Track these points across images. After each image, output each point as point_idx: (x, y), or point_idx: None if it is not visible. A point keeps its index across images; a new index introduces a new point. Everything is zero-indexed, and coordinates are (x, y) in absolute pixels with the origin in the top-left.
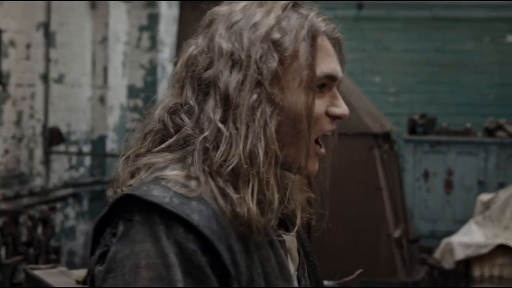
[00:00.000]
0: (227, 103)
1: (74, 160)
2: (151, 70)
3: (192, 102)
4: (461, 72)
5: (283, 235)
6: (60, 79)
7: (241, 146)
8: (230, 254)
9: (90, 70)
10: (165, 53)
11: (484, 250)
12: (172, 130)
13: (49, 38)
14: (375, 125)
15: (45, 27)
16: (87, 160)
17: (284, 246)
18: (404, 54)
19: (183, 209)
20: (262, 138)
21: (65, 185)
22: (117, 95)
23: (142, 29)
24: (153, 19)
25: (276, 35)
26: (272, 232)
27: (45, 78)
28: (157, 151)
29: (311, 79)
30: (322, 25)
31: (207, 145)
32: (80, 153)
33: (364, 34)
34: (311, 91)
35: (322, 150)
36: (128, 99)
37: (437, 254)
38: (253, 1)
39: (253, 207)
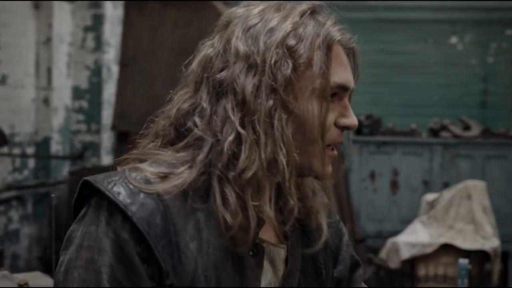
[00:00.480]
0: (244, 108)
1: (18, 162)
2: (96, 71)
3: (205, 104)
4: (405, 73)
5: (270, 245)
6: (3, 80)
7: (262, 154)
8: (170, 250)
9: (33, 71)
10: (110, 54)
11: (429, 250)
12: (184, 132)
13: None
14: None
15: None
16: (31, 162)
17: (261, 254)
18: None
19: (124, 199)
20: (282, 145)
21: (9, 187)
22: (62, 96)
23: (86, 29)
24: (98, 20)
25: (292, 41)
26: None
27: None
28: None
29: (324, 88)
30: (337, 34)
31: (228, 148)
32: (24, 155)
33: None
34: (324, 101)
35: (335, 153)
36: (73, 100)
37: (383, 254)
38: (271, 5)
39: (250, 221)
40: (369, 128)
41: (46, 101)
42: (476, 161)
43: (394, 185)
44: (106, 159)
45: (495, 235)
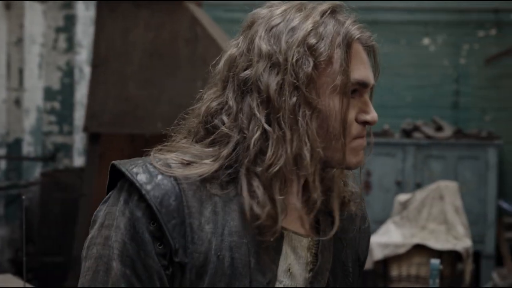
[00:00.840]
0: (269, 105)
1: None
2: (68, 72)
3: (231, 102)
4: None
5: (291, 233)
6: None
7: (288, 149)
8: (182, 230)
9: (5, 72)
10: (83, 55)
11: (401, 250)
12: (212, 130)
13: None
14: None
15: None
16: (2, 164)
17: (281, 240)
18: None
19: (141, 179)
20: (307, 141)
21: None
22: (34, 97)
23: (58, 30)
24: (70, 21)
25: (312, 40)
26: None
27: None
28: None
29: (345, 84)
30: (357, 33)
31: (254, 144)
32: None
33: None
34: (345, 97)
35: (363, 141)
36: (44, 101)
37: None
38: (293, 5)
39: (277, 211)
40: None
41: (18, 102)
42: (449, 161)
43: (367, 186)
44: (78, 161)
45: (467, 235)
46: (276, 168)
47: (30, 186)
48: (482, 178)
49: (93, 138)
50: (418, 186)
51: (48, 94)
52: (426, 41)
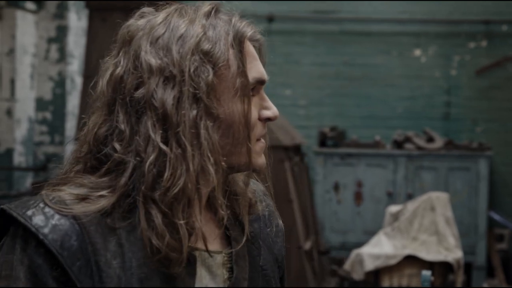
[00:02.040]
0: (166, 123)
1: None
2: (60, 83)
3: (123, 126)
4: (369, 85)
5: (203, 252)
6: None
7: (190, 167)
8: (89, 270)
9: None
10: (74, 66)
11: (393, 261)
12: (103, 159)
13: None
14: (286, 138)
15: None
16: None
17: (194, 263)
18: (313, 68)
19: (37, 223)
20: (210, 154)
21: None
22: (25, 107)
23: (50, 41)
24: (62, 31)
25: (206, 46)
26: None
27: None
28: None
29: (245, 86)
30: (247, 30)
31: (150, 169)
32: None
33: (274, 47)
34: (246, 99)
35: (263, 143)
36: (36, 111)
37: (347, 265)
38: (171, 12)
39: (181, 239)
40: (333, 140)
41: (9, 113)
42: (439, 172)
43: (358, 197)
44: None
45: (458, 246)
46: (176, 190)
47: (21, 196)
48: (473, 189)
49: None
50: (410, 197)
51: (40, 104)
52: (417, 52)
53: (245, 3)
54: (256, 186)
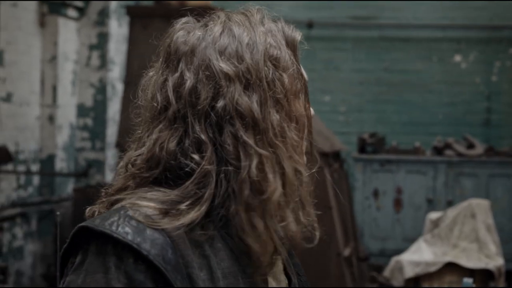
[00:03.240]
0: (256, 128)
1: (23, 179)
2: (101, 89)
3: (203, 137)
4: (409, 91)
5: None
6: (8, 98)
7: (286, 170)
8: (189, 282)
9: (39, 88)
10: (115, 72)
11: (433, 268)
12: (181, 174)
13: None
14: (325, 144)
15: None
16: (36, 180)
17: (278, 278)
18: (353, 74)
19: (134, 238)
20: (298, 156)
21: (13, 204)
22: (67, 114)
23: (92, 47)
24: (103, 38)
25: (273, 51)
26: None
27: None
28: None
29: (305, 86)
30: (296, 34)
31: (252, 175)
32: (28, 172)
33: (314, 54)
34: (307, 98)
35: None
36: (77, 118)
37: (386, 272)
38: (225, 20)
39: (278, 245)
40: (373, 146)
41: (51, 119)
42: (480, 179)
43: (398, 204)
44: (110, 176)
45: (499, 253)
46: (277, 195)
47: (62, 202)
48: None
49: None
50: (450, 204)
51: (81, 110)
52: (457, 58)
53: (285, 9)
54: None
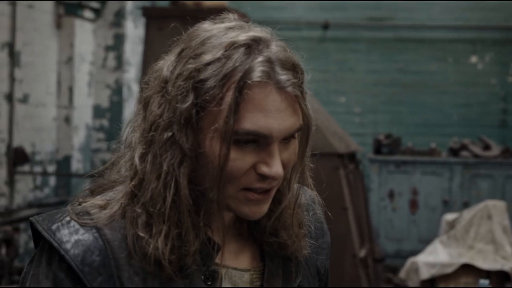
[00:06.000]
0: (149, 133)
1: (39, 180)
2: (117, 90)
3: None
4: (424, 92)
5: (230, 269)
6: (24, 99)
7: (157, 187)
8: (110, 285)
9: (55, 90)
10: (131, 73)
11: (449, 270)
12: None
13: (13, 58)
14: (340, 145)
15: (10, 46)
16: (52, 180)
17: (217, 280)
18: (368, 75)
19: (60, 237)
20: (172, 183)
21: (30, 205)
22: (83, 115)
23: (108, 49)
24: (119, 39)
25: (203, 75)
26: (194, 267)
27: (9, 97)
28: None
29: (225, 131)
30: (256, 75)
31: (135, 182)
32: (44, 173)
33: (329, 55)
34: (224, 143)
35: (256, 196)
36: (93, 119)
37: (402, 273)
38: (228, 26)
39: (162, 246)
40: (388, 147)
41: (67, 120)
42: (496, 180)
43: (414, 205)
44: None
45: None
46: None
47: None
48: None
49: None
50: (466, 205)
51: (97, 111)
52: (473, 59)
53: (300, 11)
54: (305, 195)
